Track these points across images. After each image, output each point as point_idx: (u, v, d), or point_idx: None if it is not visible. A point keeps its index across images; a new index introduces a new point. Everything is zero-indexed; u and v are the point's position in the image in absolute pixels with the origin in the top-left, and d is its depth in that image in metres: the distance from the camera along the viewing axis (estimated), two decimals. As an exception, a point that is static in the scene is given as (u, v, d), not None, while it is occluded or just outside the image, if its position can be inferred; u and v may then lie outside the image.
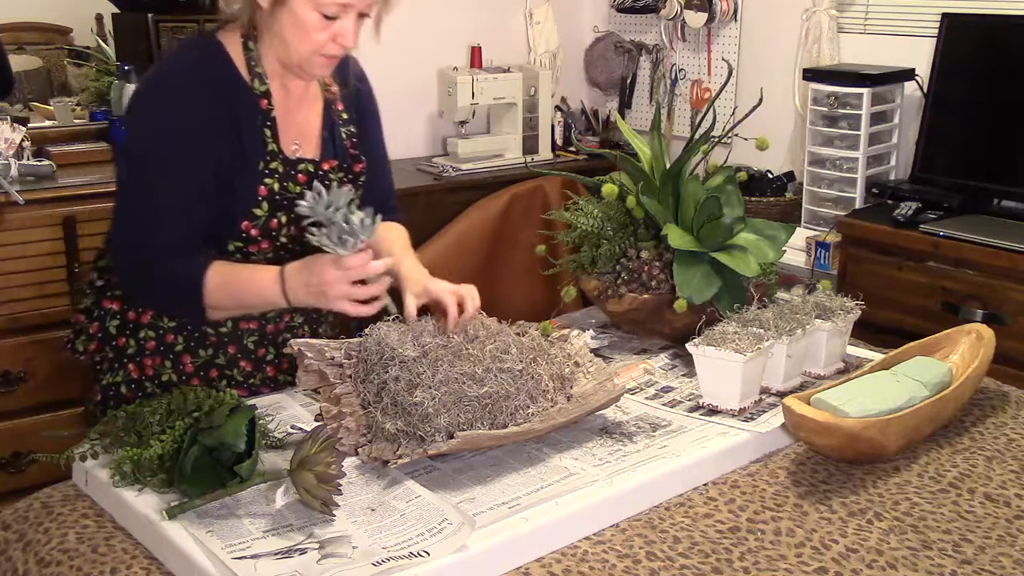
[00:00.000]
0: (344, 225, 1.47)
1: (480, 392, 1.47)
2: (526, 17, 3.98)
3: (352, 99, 1.81)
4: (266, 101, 1.67)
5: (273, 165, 1.67)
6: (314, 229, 1.48)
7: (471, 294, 1.63)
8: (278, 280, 1.58)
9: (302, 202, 1.47)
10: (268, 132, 1.67)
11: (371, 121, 1.86)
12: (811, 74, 3.22)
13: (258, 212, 1.66)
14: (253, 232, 1.67)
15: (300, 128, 1.73)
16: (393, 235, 1.83)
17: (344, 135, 1.79)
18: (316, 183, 1.51)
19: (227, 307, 1.65)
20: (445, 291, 1.63)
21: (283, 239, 1.70)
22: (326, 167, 1.73)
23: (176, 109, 1.61)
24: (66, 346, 1.84)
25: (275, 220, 1.68)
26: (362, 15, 1.62)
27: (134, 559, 1.31)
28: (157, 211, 1.61)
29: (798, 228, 3.05)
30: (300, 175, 1.70)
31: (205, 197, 1.62)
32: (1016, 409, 1.75)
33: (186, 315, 1.71)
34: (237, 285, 1.62)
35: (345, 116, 1.80)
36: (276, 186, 1.67)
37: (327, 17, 1.58)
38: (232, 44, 1.67)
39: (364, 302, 1.54)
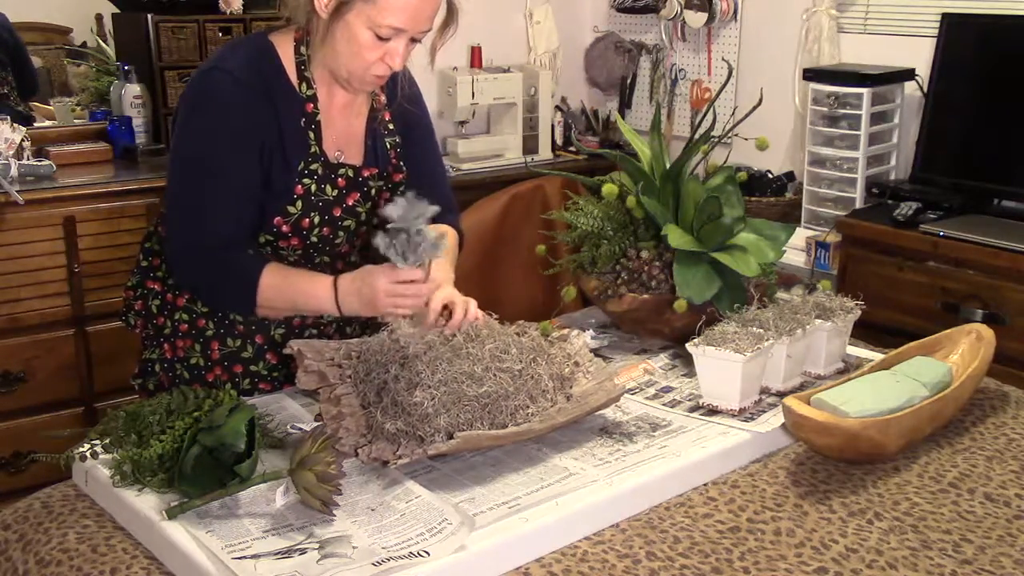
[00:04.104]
0: (416, 239, 1.52)
1: (479, 392, 1.47)
2: (526, 17, 3.98)
3: (401, 110, 1.83)
4: (312, 105, 1.70)
5: (314, 167, 1.70)
6: (382, 236, 1.52)
7: (467, 305, 1.62)
8: (331, 289, 1.63)
9: (392, 204, 1.50)
10: (312, 135, 1.70)
11: (421, 133, 1.88)
12: (811, 74, 3.22)
13: (291, 210, 1.69)
14: (284, 228, 1.70)
15: (344, 134, 1.76)
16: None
17: (388, 145, 1.81)
18: (409, 192, 1.53)
19: (279, 307, 1.69)
20: (439, 298, 1.62)
21: (314, 238, 1.73)
22: (366, 174, 1.76)
23: (225, 109, 1.64)
24: (120, 318, 1.90)
25: (307, 219, 1.71)
26: (413, 40, 1.65)
27: (134, 559, 1.31)
28: (209, 208, 1.66)
29: (798, 228, 3.05)
30: (340, 179, 1.73)
31: (253, 193, 1.67)
32: (1016, 409, 1.75)
33: (236, 308, 1.75)
34: (292, 288, 1.66)
35: (391, 126, 1.82)
36: (313, 187, 1.70)
37: (380, 38, 1.61)
38: (284, 46, 1.70)
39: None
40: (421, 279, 1.57)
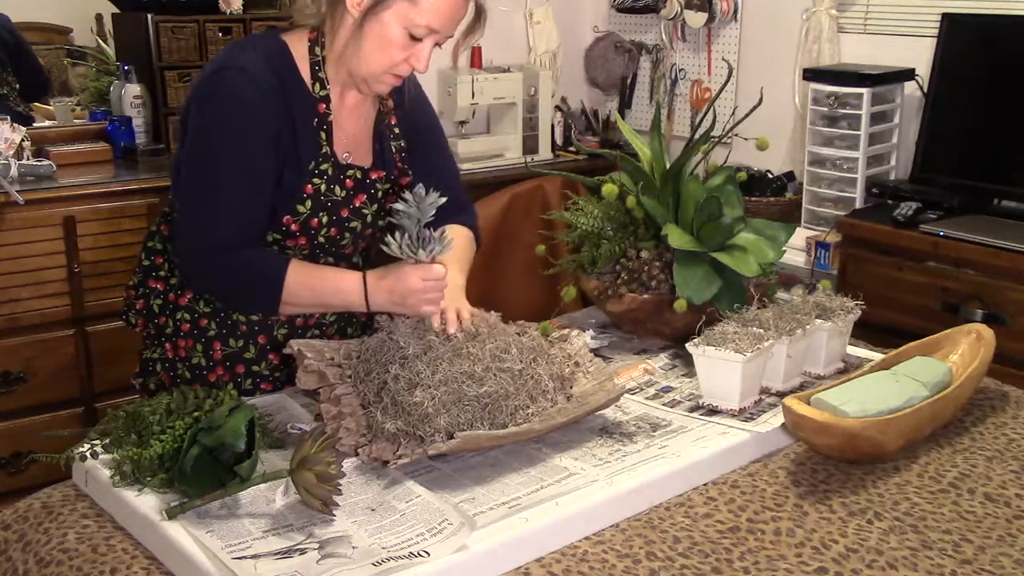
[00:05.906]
0: (424, 232, 1.54)
1: (480, 392, 1.47)
2: (526, 17, 3.98)
3: (406, 115, 1.83)
4: (324, 105, 1.70)
5: (324, 167, 1.70)
6: (390, 237, 1.56)
7: (464, 310, 1.64)
8: (360, 283, 1.64)
9: (406, 196, 1.53)
10: (323, 135, 1.70)
11: (428, 134, 1.88)
12: (811, 74, 3.22)
13: (301, 209, 1.69)
14: (293, 227, 1.70)
15: (353, 136, 1.76)
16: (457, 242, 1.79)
17: (394, 148, 1.81)
18: (418, 185, 1.56)
19: (304, 303, 1.69)
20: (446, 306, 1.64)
21: (321, 239, 1.73)
22: (374, 176, 1.76)
23: (241, 108, 1.63)
24: (121, 316, 1.90)
25: (316, 219, 1.71)
26: (438, 43, 1.66)
27: (134, 559, 1.31)
28: (225, 208, 1.65)
29: (798, 228, 3.05)
30: (348, 180, 1.73)
31: (268, 191, 1.67)
32: (1016, 409, 1.75)
33: (258, 307, 1.74)
34: (319, 281, 1.67)
35: (397, 131, 1.82)
36: (323, 187, 1.70)
37: (413, 37, 1.62)
38: (298, 46, 1.70)
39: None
40: (444, 275, 1.59)
